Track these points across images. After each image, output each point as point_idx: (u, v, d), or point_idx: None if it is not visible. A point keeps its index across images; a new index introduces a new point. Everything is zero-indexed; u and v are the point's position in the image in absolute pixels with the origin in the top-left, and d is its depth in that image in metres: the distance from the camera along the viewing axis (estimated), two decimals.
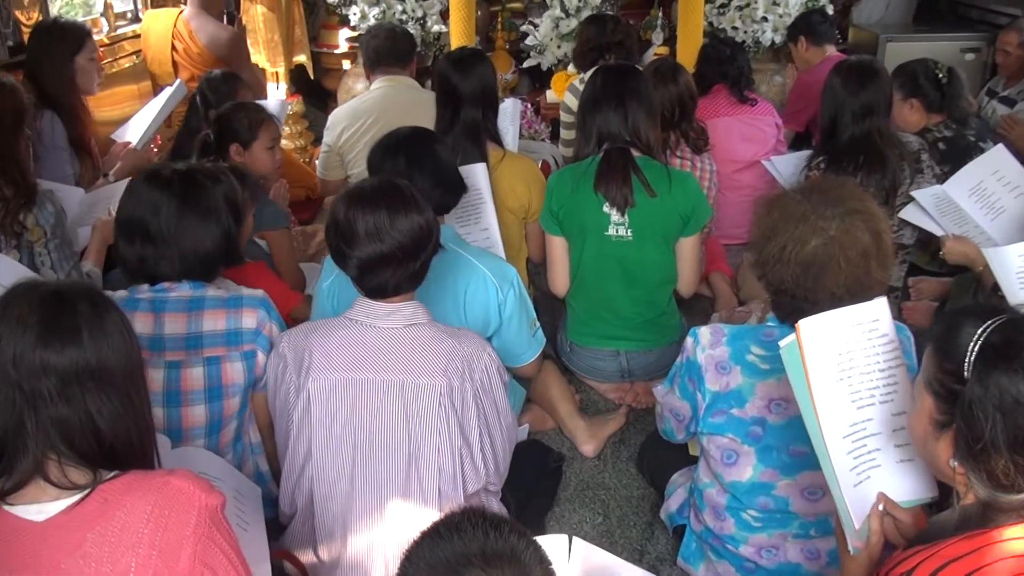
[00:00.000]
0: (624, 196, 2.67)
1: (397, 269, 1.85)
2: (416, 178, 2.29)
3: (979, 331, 1.29)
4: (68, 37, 3.26)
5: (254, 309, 2.03)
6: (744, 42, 5.07)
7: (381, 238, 1.82)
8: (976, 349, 1.29)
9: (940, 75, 3.54)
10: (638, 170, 2.68)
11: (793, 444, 1.85)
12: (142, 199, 2.01)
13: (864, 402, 1.56)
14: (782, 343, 1.53)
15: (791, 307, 1.81)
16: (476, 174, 2.81)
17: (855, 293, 1.72)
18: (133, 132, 3.53)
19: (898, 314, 3.36)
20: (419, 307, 1.92)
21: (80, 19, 4.05)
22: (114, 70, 4.30)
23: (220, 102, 3.29)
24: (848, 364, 1.54)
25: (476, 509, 1.16)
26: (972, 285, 3.01)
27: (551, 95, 5.01)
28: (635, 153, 2.72)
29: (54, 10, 4.14)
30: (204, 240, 2.02)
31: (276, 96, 5.06)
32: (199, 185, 2.04)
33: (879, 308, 1.57)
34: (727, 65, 3.93)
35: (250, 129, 3.02)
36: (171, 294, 2.01)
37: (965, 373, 1.29)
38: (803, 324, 1.51)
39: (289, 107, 3.80)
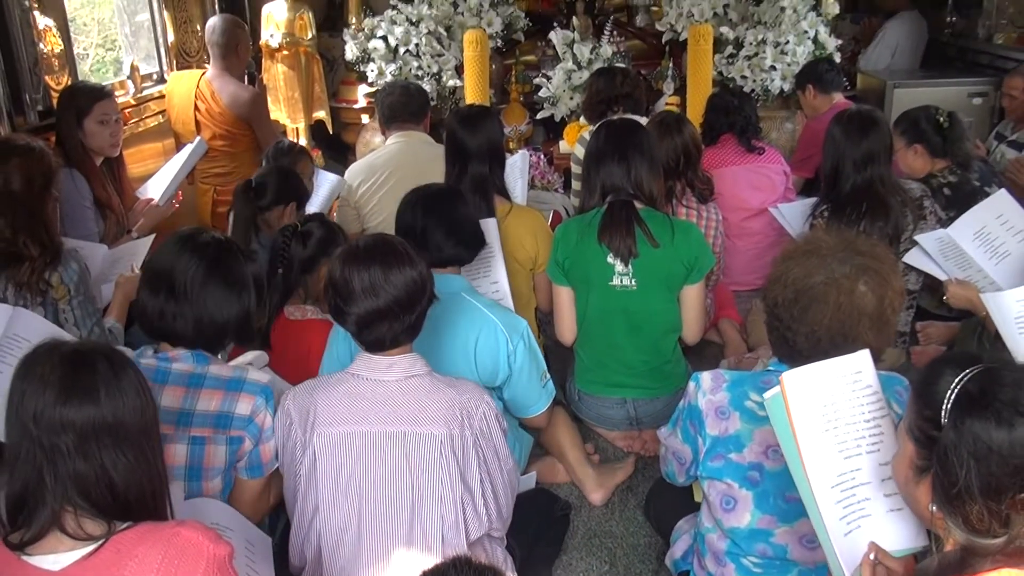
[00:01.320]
0: (627, 247, 2.74)
1: (394, 323, 1.91)
2: (432, 231, 2.41)
3: (957, 379, 1.34)
4: (77, 101, 3.37)
5: (252, 396, 1.99)
6: (753, 91, 5.14)
7: (376, 293, 1.89)
8: (953, 396, 1.33)
9: (941, 120, 3.59)
10: (641, 221, 2.75)
11: (789, 490, 1.87)
12: (176, 254, 2.03)
13: (851, 452, 1.59)
14: (766, 395, 1.58)
15: (777, 334, 1.87)
16: (487, 229, 2.87)
17: (836, 342, 1.76)
18: (155, 189, 3.65)
19: (907, 358, 3.39)
20: (417, 359, 1.99)
21: (106, 82, 4.21)
22: (140, 129, 4.46)
23: None
24: (833, 415, 1.58)
25: (462, 558, 1.21)
26: (977, 329, 3.04)
27: (564, 145, 5.11)
28: (638, 205, 2.79)
29: (84, 69, 4.31)
30: (223, 310, 2.03)
31: None
32: (233, 257, 2.08)
33: (862, 360, 1.62)
34: (734, 115, 4.01)
35: (300, 203, 3.24)
36: (174, 365, 2.00)
37: (942, 419, 1.33)
38: (787, 376, 1.55)
39: (344, 185, 3.88)
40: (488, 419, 1.95)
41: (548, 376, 2.56)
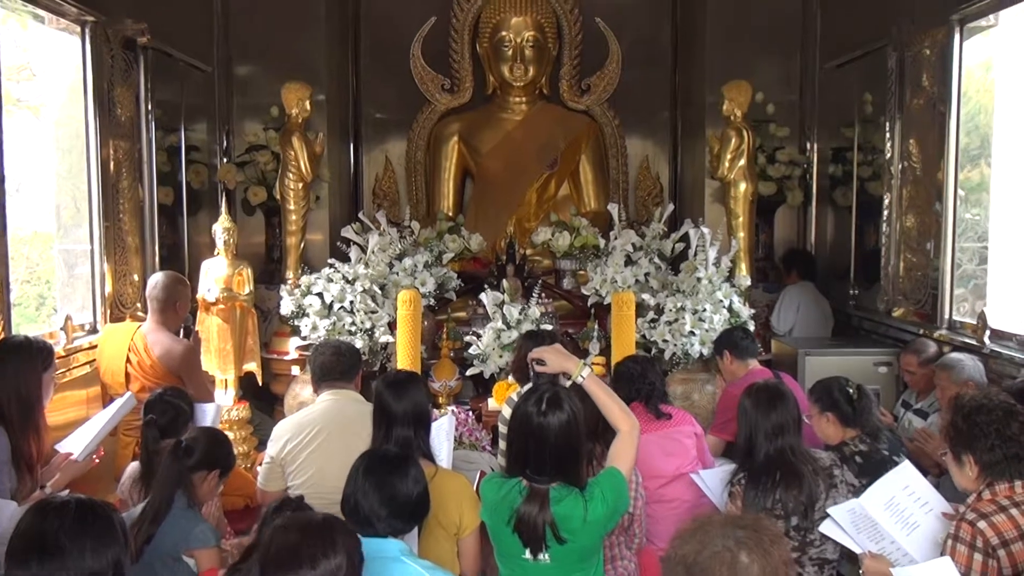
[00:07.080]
0: (537, 545, 2.67)
1: None
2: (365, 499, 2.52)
3: None
4: (40, 355, 3.39)
5: None
6: (675, 354, 5.38)
7: None
8: None
9: (851, 392, 3.80)
10: (552, 522, 2.66)
11: None
12: (40, 518, 2.07)
13: None
14: None
15: None
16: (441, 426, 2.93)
17: None
18: (76, 443, 3.58)
19: None
20: None
21: (30, 322, 4.21)
22: (66, 379, 4.43)
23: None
24: None
25: None
26: None
27: (492, 403, 5.20)
28: (553, 488, 2.71)
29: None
30: (94, 562, 2.05)
31: (224, 400, 5.21)
32: (96, 510, 2.13)
33: None
34: (639, 382, 4.03)
35: (224, 472, 3.29)
36: None
37: None
38: None
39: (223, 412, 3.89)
40: None
41: None
